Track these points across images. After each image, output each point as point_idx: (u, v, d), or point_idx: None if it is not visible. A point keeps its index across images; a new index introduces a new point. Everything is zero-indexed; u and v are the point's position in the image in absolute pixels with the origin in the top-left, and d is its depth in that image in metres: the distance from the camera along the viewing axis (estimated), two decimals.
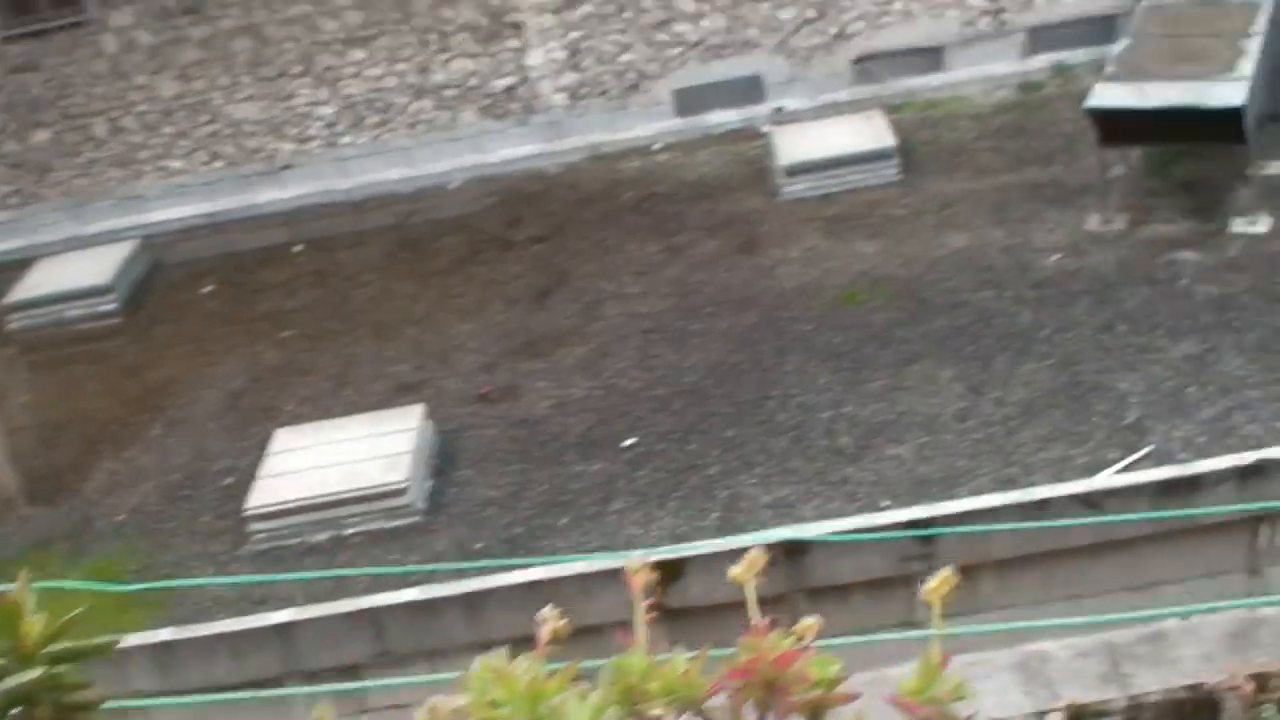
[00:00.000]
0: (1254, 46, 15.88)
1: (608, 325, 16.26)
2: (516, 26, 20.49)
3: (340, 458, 13.78)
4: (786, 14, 20.51)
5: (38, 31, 20.21)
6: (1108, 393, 13.27)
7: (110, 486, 15.00)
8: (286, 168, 21.19)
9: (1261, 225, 15.57)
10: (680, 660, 2.41)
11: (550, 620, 2.41)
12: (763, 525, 12.03)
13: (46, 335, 18.61)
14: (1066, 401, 13.28)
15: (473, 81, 20.82)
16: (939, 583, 2.52)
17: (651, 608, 2.36)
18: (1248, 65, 15.46)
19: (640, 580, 2.47)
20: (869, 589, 9.89)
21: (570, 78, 20.83)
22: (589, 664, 2.38)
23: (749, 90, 21.01)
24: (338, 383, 16.16)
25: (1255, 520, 9.95)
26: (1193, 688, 4.42)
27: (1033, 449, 12.72)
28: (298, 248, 19.94)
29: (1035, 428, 13.00)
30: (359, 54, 20.55)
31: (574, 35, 20.59)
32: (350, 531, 13.43)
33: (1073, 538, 9.80)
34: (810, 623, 2.45)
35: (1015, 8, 20.53)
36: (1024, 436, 12.91)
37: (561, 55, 20.70)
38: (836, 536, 9.70)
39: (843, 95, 20.89)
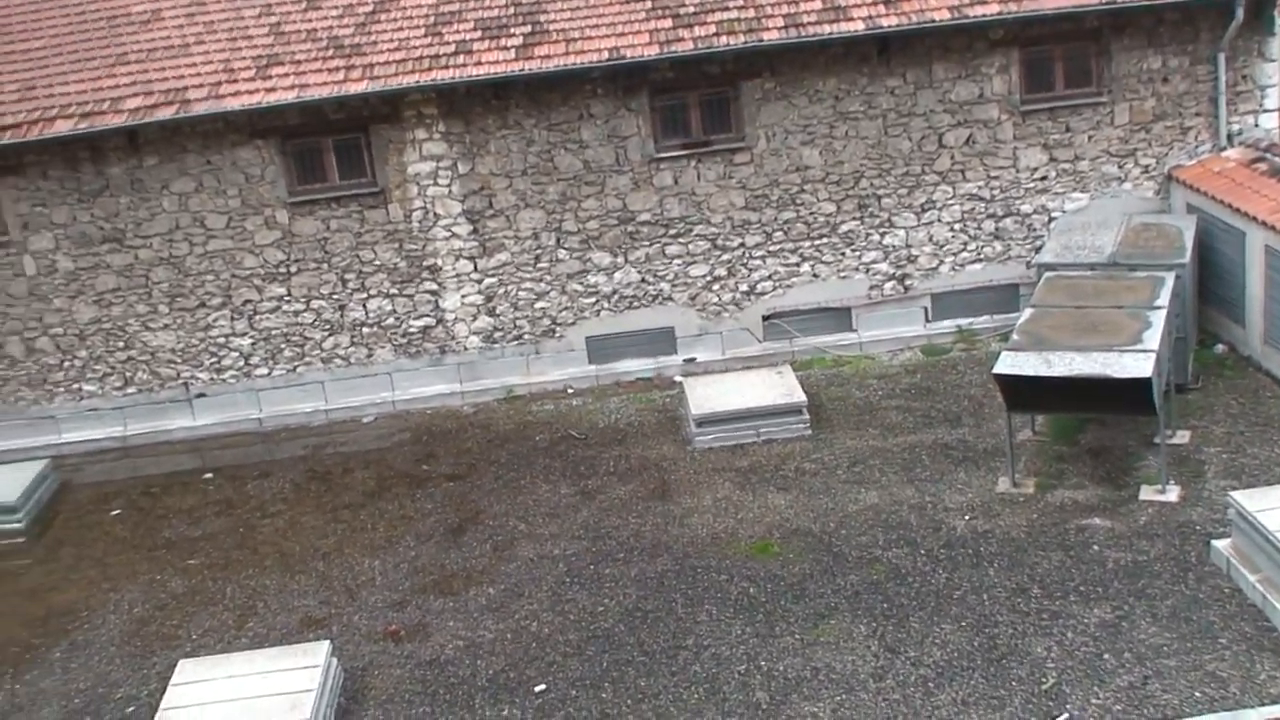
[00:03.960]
0: (1159, 319, 16.40)
1: (520, 566, 16.19)
2: (434, 270, 20.79)
3: (243, 692, 13.49)
4: (698, 270, 21.02)
5: None
6: (1024, 656, 13.32)
7: (9, 710, 14.53)
8: (200, 396, 21.15)
9: (1171, 494, 15.85)
10: None
11: None
12: None
13: None
14: (983, 664, 13.29)
15: (389, 320, 21.03)
16: None
17: None
18: (1154, 337, 15.96)
19: None
20: None
21: (485, 321, 21.11)
22: None
23: (661, 341, 21.43)
24: (243, 614, 15.88)
25: None
26: None
27: (951, 712, 12.67)
28: (207, 475, 19.77)
29: (953, 690, 12.98)
30: (278, 289, 20.70)
31: (490, 281, 20.92)
32: None
33: None
34: None
35: (919, 275, 21.21)
36: (941, 699, 12.88)
37: (478, 299, 21.00)
38: None
39: (753, 349, 21.38)
